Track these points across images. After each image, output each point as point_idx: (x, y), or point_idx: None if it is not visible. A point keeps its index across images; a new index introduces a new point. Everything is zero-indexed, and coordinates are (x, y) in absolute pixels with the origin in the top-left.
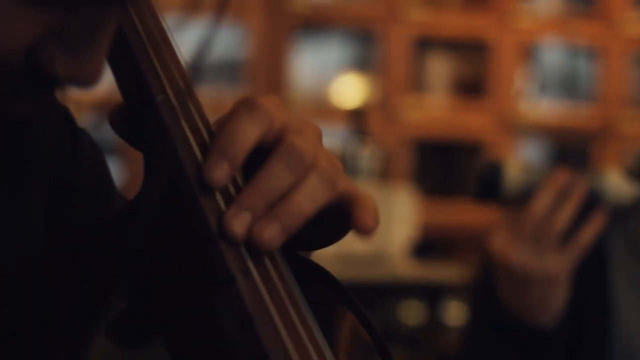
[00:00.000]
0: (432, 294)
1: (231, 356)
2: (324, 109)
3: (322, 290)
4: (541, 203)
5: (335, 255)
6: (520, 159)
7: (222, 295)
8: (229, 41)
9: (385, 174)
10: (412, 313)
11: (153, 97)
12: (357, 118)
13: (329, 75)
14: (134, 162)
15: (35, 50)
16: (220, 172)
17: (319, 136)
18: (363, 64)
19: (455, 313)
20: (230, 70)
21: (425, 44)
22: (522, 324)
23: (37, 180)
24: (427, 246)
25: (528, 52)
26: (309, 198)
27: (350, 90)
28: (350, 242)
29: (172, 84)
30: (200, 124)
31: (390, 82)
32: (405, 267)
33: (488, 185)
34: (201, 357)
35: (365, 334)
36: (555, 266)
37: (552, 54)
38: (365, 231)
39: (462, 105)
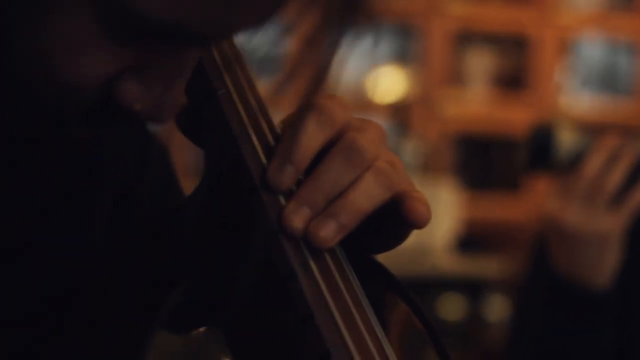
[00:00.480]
0: (474, 289)
1: (291, 351)
2: (364, 102)
3: (378, 283)
4: (593, 165)
5: None
6: (572, 124)
7: (283, 290)
8: (270, 34)
9: (427, 168)
10: (453, 308)
11: (215, 91)
12: (398, 112)
13: (369, 69)
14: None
15: (112, 83)
16: (285, 177)
17: (381, 136)
18: (403, 58)
19: (497, 308)
20: (271, 63)
21: (465, 38)
22: (575, 288)
23: (108, 181)
24: (470, 241)
25: (568, 47)
26: (366, 196)
27: (390, 84)
28: None
29: (233, 79)
30: (261, 119)
31: (431, 76)
32: (447, 262)
33: (540, 150)
34: (261, 351)
35: (420, 326)
36: (608, 227)
37: (593, 49)
38: (417, 221)
39: (502, 99)
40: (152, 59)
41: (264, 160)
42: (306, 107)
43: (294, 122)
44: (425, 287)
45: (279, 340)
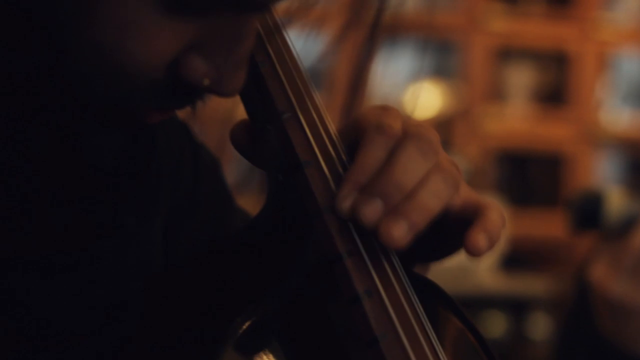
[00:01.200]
0: (517, 307)
1: None
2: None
3: (432, 300)
4: None
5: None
6: (622, 188)
7: (347, 313)
8: (310, 49)
9: (471, 185)
10: (496, 326)
11: (280, 114)
12: (439, 128)
13: (409, 85)
14: None
15: (177, 62)
16: (354, 204)
17: (438, 140)
18: (444, 74)
19: (540, 327)
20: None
21: (506, 54)
22: (619, 353)
23: (162, 196)
24: (514, 258)
25: (608, 62)
26: (434, 196)
27: (430, 100)
28: None
29: (299, 101)
30: (327, 141)
31: (471, 92)
32: (491, 280)
33: (588, 215)
34: None
35: (475, 342)
36: None
37: (633, 64)
38: (474, 253)
39: (542, 115)
40: (212, 32)
41: (332, 185)
42: (370, 129)
43: (361, 147)
44: (469, 306)
45: None
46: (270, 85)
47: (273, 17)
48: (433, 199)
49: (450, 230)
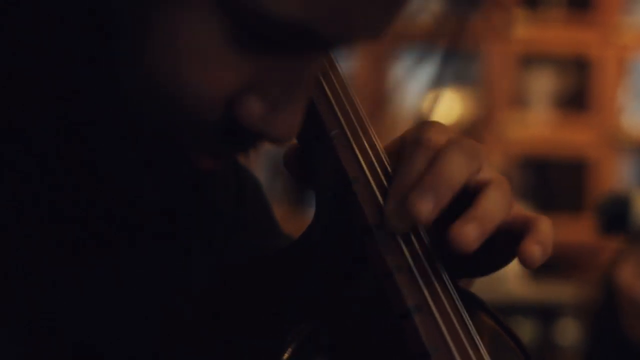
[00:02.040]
0: (546, 314)
1: None
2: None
3: (479, 314)
4: None
5: None
6: None
7: (399, 327)
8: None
9: None
10: (526, 333)
11: (328, 132)
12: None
13: (430, 93)
14: None
15: (234, 102)
16: (402, 220)
17: (485, 151)
18: (465, 81)
19: (569, 333)
20: None
21: (527, 60)
22: None
23: (207, 220)
24: (543, 265)
25: (630, 67)
26: (497, 208)
27: (452, 107)
28: None
29: (346, 119)
30: (374, 158)
31: (493, 98)
32: (520, 287)
33: (616, 218)
34: None
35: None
36: None
37: None
38: (529, 265)
39: (564, 121)
40: (274, 74)
41: (380, 201)
42: (411, 143)
43: (403, 160)
44: (498, 312)
45: None
46: (318, 104)
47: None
48: (496, 211)
49: (499, 243)
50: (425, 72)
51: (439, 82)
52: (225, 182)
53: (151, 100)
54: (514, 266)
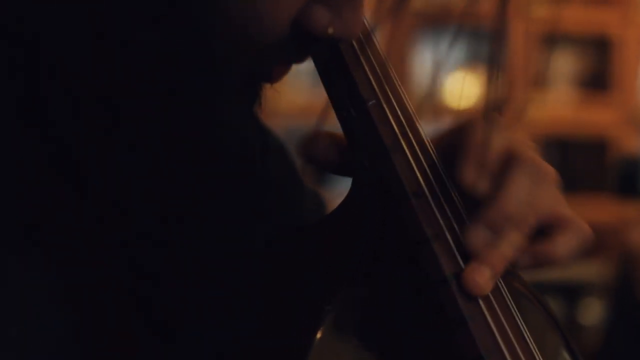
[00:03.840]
0: (570, 293)
1: None
2: (445, 107)
3: (532, 312)
4: None
5: None
6: None
7: (436, 295)
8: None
9: None
10: None
11: (365, 101)
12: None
13: (450, 74)
14: None
15: (302, 15)
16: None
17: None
18: (485, 61)
19: (593, 312)
20: None
21: (548, 40)
22: None
23: (228, 173)
24: None
25: None
26: (568, 250)
27: (471, 88)
28: None
29: (381, 89)
30: (409, 129)
31: (514, 79)
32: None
33: (629, 180)
34: None
35: (565, 345)
36: None
37: None
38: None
39: (586, 101)
40: None
41: (416, 170)
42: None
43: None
44: None
45: None
46: (355, 73)
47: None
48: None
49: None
50: (445, 52)
51: (458, 62)
52: (250, 140)
53: (231, 37)
54: None
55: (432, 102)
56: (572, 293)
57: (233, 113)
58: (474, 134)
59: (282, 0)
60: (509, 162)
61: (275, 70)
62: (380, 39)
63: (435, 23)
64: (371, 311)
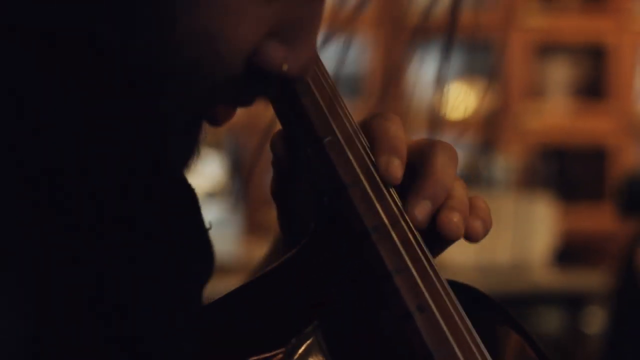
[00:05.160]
0: (572, 302)
1: None
2: (443, 119)
3: (483, 313)
4: None
5: (475, 266)
6: None
7: (401, 330)
8: (345, 56)
9: (519, 183)
10: (552, 321)
11: (321, 139)
12: (482, 128)
13: (445, 85)
14: None
15: (257, 50)
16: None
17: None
18: (481, 72)
19: (596, 321)
20: (348, 84)
21: (543, 50)
22: None
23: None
24: (567, 253)
25: None
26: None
27: (468, 99)
28: (490, 251)
29: (338, 124)
30: (367, 161)
31: (511, 89)
32: (546, 276)
33: (633, 196)
34: None
35: (532, 353)
36: None
37: None
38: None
39: (582, 109)
40: (290, 16)
41: (376, 204)
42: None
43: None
44: (524, 302)
45: None
46: (311, 113)
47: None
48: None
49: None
50: (440, 64)
51: (453, 74)
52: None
53: (181, 59)
54: (539, 255)
55: (439, 114)
56: (573, 302)
57: (175, 152)
58: (381, 127)
59: (237, 37)
60: (425, 144)
61: (220, 112)
62: (375, 55)
63: (431, 36)
64: (335, 343)
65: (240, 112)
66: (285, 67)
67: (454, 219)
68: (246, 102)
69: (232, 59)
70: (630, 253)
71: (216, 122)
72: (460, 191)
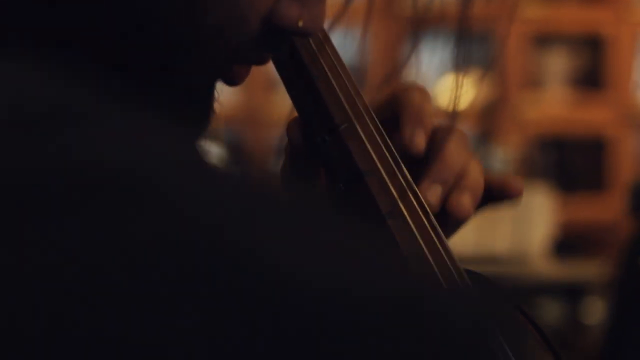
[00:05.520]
0: (572, 293)
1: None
2: (441, 110)
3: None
4: None
5: (475, 255)
6: None
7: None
8: (347, 48)
9: (517, 173)
10: (552, 312)
11: (337, 126)
12: (481, 119)
13: (444, 76)
14: None
15: (272, 10)
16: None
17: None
18: (479, 63)
19: (595, 311)
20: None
21: (541, 40)
22: None
23: None
24: (565, 244)
25: None
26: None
27: (467, 89)
28: (489, 242)
29: (354, 112)
30: (384, 149)
31: (509, 80)
32: (545, 267)
33: None
34: None
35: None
36: None
37: None
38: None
39: (580, 100)
40: None
41: (393, 192)
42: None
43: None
44: (523, 292)
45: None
46: (326, 99)
47: (322, 30)
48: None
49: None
50: (439, 55)
51: (451, 65)
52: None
53: (206, 25)
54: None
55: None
56: (573, 292)
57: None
58: (411, 100)
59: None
60: (441, 128)
61: (236, 71)
62: (375, 46)
63: (430, 26)
64: None
65: (238, 105)
66: (300, 24)
67: (462, 201)
68: (261, 61)
69: (253, 21)
70: (633, 249)
71: (233, 81)
72: (474, 172)
